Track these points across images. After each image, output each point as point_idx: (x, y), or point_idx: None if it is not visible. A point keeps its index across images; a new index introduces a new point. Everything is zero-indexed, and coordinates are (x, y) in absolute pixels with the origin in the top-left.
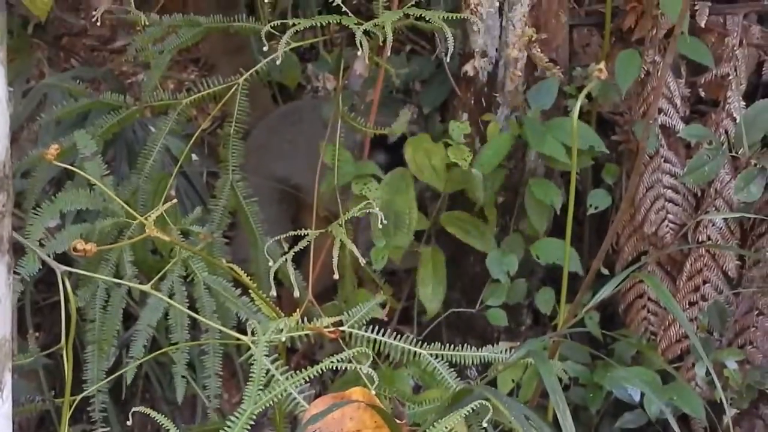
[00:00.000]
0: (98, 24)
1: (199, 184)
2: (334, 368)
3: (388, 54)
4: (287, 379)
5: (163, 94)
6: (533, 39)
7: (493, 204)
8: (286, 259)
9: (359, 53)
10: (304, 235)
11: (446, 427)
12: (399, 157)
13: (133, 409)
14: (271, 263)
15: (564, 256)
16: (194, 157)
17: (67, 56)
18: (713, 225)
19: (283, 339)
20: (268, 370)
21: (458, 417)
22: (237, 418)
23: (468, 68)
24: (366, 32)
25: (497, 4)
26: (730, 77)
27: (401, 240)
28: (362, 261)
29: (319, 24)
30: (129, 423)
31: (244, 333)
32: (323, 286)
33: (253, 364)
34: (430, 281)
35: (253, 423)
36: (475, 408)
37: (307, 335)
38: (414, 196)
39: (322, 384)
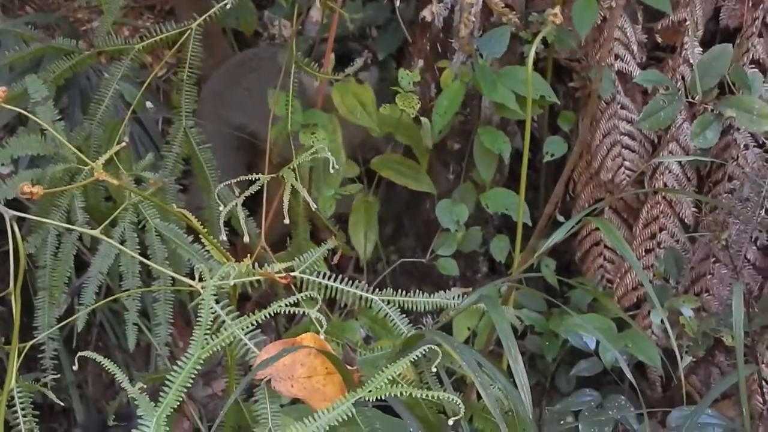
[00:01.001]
0: None
1: (154, 131)
2: (289, 317)
3: None
4: (236, 323)
5: (116, 40)
6: None
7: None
8: (236, 204)
9: None
10: (258, 181)
11: (395, 372)
12: None
13: (80, 354)
14: (222, 208)
15: (513, 206)
16: (149, 104)
17: (21, 3)
18: (670, 172)
19: (232, 283)
20: (217, 316)
21: (408, 360)
22: (184, 363)
23: (425, 14)
24: None
25: None
26: (687, 23)
27: (331, 184)
28: (313, 206)
29: None
30: (75, 368)
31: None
32: (279, 236)
33: (201, 309)
34: (362, 227)
35: (206, 372)
36: (426, 353)
37: (260, 283)
38: (341, 141)
39: (276, 333)
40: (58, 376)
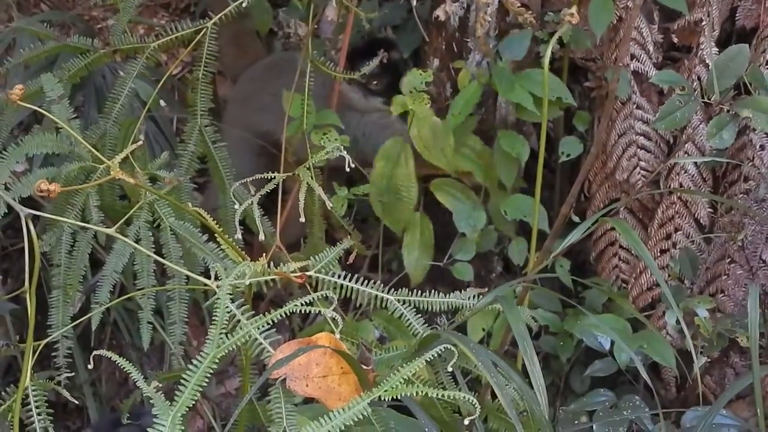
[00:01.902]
0: None
1: (169, 130)
2: (303, 317)
3: None
4: (251, 322)
5: (131, 38)
6: None
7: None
8: (252, 203)
9: None
10: (274, 180)
11: (411, 372)
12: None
13: (95, 353)
14: (237, 206)
15: (531, 212)
16: (162, 102)
17: (36, 1)
18: (685, 172)
19: (247, 282)
20: (232, 315)
21: (423, 360)
22: (199, 362)
23: (439, 13)
24: None
25: None
26: (704, 23)
27: (404, 214)
28: (329, 205)
29: None
30: (90, 366)
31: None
32: (295, 237)
33: (217, 308)
34: (416, 247)
35: (219, 371)
36: (441, 353)
37: (275, 283)
38: (414, 169)
39: (291, 332)
40: (72, 374)
